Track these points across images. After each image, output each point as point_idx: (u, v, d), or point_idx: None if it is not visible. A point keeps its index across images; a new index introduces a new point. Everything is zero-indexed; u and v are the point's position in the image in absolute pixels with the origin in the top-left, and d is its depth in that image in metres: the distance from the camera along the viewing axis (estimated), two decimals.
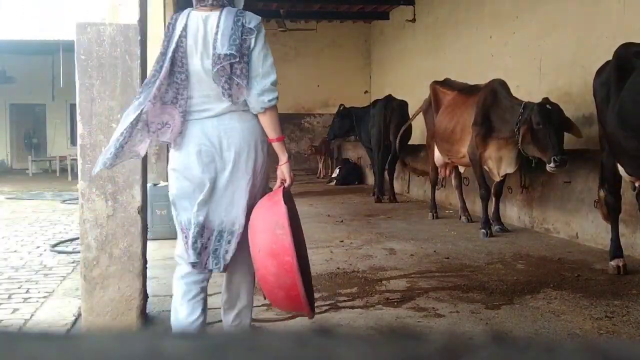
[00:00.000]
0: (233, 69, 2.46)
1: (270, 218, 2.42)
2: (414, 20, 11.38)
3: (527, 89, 6.94)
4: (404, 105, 8.84)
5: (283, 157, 2.67)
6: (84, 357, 0.36)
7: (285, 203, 2.42)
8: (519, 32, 7.57)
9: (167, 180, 6.47)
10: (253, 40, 2.49)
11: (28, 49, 15.59)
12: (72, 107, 15.49)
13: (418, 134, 9.23)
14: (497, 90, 5.81)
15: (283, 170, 2.67)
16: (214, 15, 2.51)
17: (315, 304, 3.01)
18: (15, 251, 5.29)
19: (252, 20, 2.51)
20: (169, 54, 2.47)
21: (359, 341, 0.37)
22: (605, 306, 3.46)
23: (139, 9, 2.96)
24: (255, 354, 0.36)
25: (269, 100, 2.52)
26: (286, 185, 2.65)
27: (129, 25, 2.94)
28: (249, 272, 2.67)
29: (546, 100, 5.26)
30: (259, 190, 2.62)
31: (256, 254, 2.44)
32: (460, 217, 6.84)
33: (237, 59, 2.45)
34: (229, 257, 2.55)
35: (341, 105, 11.10)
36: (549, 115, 5.05)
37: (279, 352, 0.36)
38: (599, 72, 4.27)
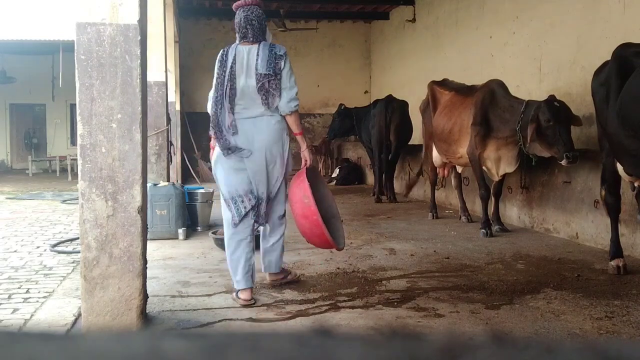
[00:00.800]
0: (269, 84, 3.50)
1: (299, 192, 3.55)
2: (414, 20, 11.38)
3: (527, 89, 6.94)
4: (404, 105, 8.84)
5: (303, 145, 3.78)
6: (84, 357, 0.36)
7: (308, 180, 3.54)
8: (519, 32, 7.56)
9: (166, 180, 6.54)
10: (282, 63, 3.54)
11: (28, 49, 15.59)
12: (72, 107, 15.52)
13: (418, 134, 9.23)
14: (495, 90, 5.81)
15: (305, 154, 3.78)
16: (254, 48, 3.57)
17: (315, 304, 3.56)
18: (15, 251, 5.28)
19: (281, 49, 3.60)
20: (227, 76, 3.51)
21: (359, 341, 0.37)
22: (605, 306, 3.46)
23: (139, 9, 2.96)
24: (255, 354, 0.36)
25: (295, 106, 3.60)
26: (308, 165, 3.74)
27: (129, 25, 2.94)
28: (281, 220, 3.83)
29: (552, 97, 5.24)
30: (286, 168, 3.65)
31: (296, 217, 3.61)
32: (460, 217, 6.85)
33: (273, 77, 3.50)
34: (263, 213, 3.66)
35: (341, 105, 11.10)
36: (558, 112, 5.05)
37: (279, 352, 0.36)
38: (597, 73, 4.26)
